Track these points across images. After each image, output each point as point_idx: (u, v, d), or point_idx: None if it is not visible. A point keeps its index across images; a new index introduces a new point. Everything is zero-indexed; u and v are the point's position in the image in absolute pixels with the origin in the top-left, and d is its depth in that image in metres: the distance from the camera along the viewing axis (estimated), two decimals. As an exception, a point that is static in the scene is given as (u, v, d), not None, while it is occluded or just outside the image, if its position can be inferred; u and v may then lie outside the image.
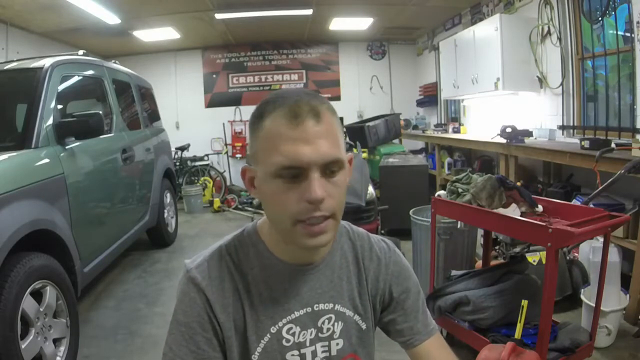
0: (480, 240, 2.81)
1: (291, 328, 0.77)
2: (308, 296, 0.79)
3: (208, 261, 0.77)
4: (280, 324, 0.76)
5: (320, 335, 0.79)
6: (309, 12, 5.22)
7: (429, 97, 6.62)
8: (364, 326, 0.84)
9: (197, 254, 0.80)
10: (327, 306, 0.80)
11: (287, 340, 0.77)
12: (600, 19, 3.30)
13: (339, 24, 6.01)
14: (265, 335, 0.76)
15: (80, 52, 3.14)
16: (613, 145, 2.68)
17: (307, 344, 0.78)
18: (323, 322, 0.80)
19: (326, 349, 0.80)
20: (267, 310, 0.76)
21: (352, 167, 0.76)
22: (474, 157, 5.31)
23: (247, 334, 0.75)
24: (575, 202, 2.70)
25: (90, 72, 3.11)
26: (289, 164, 0.66)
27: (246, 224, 0.83)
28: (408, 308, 0.87)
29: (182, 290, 0.75)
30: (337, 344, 0.81)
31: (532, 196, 2.07)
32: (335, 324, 0.81)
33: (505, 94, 4.24)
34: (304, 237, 0.69)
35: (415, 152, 6.13)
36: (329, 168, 0.68)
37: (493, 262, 2.59)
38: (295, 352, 0.77)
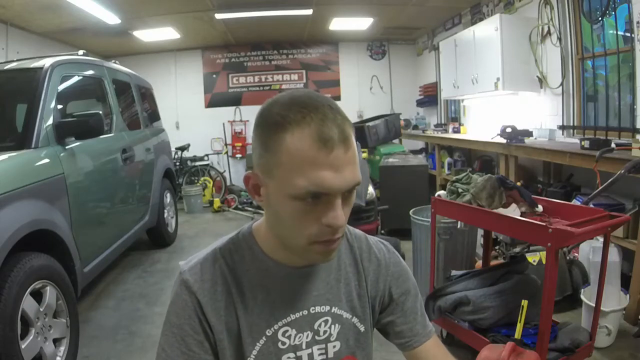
0: (480, 240, 2.81)
1: (287, 331, 0.77)
2: (304, 299, 0.78)
3: (201, 264, 0.76)
4: (275, 326, 0.76)
5: (316, 338, 0.79)
6: (309, 12, 5.22)
7: (429, 97, 6.61)
8: (362, 328, 0.84)
9: (193, 255, 0.80)
10: (323, 309, 0.80)
11: (283, 343, 0.77)
12: (600, 19, 3.30)
13: (339, 24, 6.01)
14: (261, 338, 0.75)
15: (80, 52, 3.14)
16: (613, 145, 2.68)
17: (304, 346, 0.78)
18: (319, 325, 0.79)
19: (323, 351, 0.80)
20: (263, 313, 0.76)
21: None
22: (474, 157, 5.31)
23: (242, 337, 0.74)
24: (575, 202, 2.70)
25: (90, 72, 3.11)
26: (315, 190, 0.63)
27: (242, 226, 0.83)
28: (407, 309, 0.87)
29: (175, 292, 0.75)
30: (334, 347, 0.80)
31: (532, 196, 2.07)
32: (332, 326, 0.80)
33: (505, 94, 4.23)
34: (318, 255, 0.70)
35: (415, 152, 6.12)
36: (349, 191, 0.67)
37: (493, 262, 2.59)
38: (292, 355, 0.77)
